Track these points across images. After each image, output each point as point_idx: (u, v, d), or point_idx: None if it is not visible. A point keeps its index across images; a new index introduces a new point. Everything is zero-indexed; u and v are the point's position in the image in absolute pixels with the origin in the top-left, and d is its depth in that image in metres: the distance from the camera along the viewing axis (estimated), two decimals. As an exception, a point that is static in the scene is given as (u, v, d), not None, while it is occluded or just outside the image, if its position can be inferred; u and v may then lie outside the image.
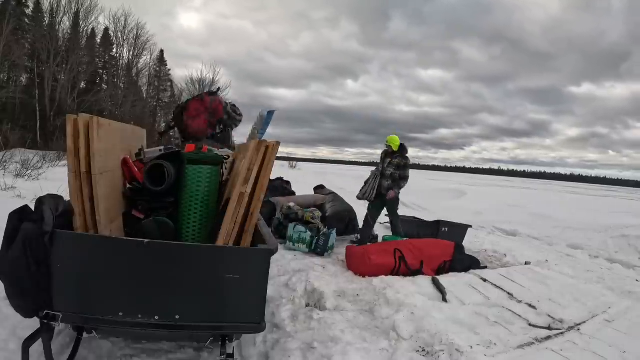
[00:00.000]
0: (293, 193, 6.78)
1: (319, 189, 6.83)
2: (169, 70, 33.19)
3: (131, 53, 30.00)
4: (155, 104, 32.75)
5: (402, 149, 5.09)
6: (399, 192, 5.06)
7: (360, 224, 5.42)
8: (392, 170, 5.02)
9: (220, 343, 1.82)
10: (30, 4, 24.69)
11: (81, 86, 25.90)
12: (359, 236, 5.32)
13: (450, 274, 3.71)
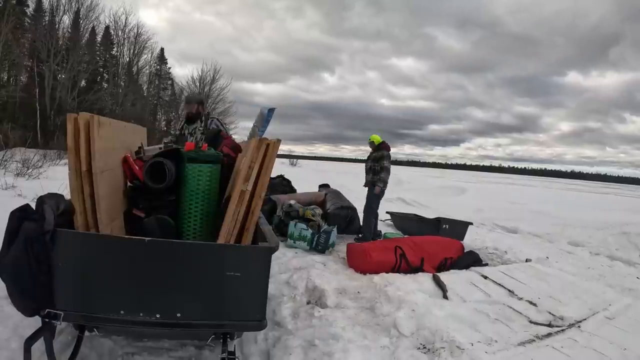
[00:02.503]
0: (294, 190, 6.78)
1: (324, 187, 6.83)
2: (170, 68, 33.19)
3: (131, 52, 29.96)
4: (155, 102, 32.72)
5: (381, 144, 5.33)
6: (384, 188, 5.16)
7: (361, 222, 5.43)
8: (371, 163, 5.29)
9: (221, 341, 1.82)
10: (30, 3, 24.66)
11: (81, 85, 25.85)
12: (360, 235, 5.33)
13: (451, 271, 3.71)
